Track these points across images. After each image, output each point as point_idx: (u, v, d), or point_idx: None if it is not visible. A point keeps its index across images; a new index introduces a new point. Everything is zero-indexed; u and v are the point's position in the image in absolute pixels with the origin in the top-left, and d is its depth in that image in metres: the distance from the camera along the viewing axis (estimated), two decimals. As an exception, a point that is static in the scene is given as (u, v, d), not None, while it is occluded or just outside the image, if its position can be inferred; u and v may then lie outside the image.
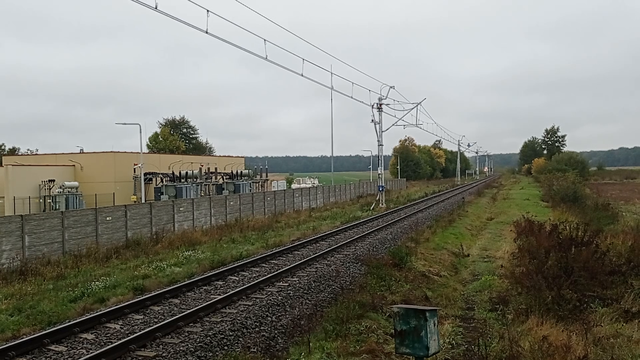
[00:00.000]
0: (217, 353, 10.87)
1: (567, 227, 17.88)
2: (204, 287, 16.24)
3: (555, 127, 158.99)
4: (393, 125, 54.83)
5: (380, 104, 49.48)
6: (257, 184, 62.11)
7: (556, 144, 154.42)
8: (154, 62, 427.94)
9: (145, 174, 44.41)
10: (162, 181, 51.00)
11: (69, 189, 45.16)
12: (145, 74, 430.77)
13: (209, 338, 11.41)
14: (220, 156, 76.15)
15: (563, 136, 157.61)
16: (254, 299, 14.72)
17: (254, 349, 11.01)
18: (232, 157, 73.08)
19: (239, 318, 12.82)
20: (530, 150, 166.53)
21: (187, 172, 51.60)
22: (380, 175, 52.62)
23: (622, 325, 12.33)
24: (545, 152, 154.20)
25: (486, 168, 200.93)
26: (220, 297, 14.44)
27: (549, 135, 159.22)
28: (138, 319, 12.93)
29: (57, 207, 42.23)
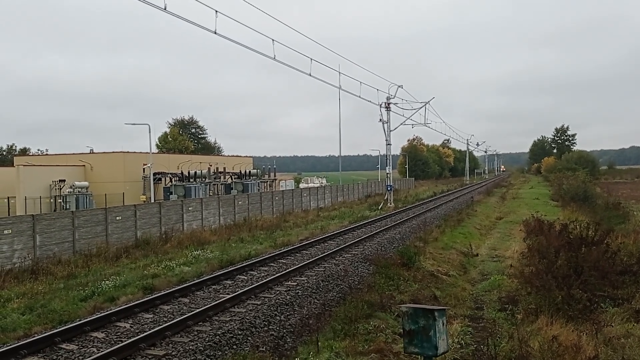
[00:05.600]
0: (226, 352, 10.92)
1: (577, 227, 17.78)
2: (213, 287, 16.31)
3: (565, 126, 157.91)
4: (401, 124, 54.72)
5: (389, 103, 49.39)
6: (265, 184, 62.23)
7: (566, 143, 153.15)
8: (171, 68, 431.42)
9: (154, 174, 44.62)
10: (171, 181, 51.21)
11: (79, 189, 45.45)
12: (161, 79, 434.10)
13: (218, 337, 11.46)
14: (228, 156, 76.36)
15: (573, 135, 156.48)
16: (263, 298, 14.76)
17: (262, 348, 11.04)
18: (240, 156, 73.22)
19: (247, 317, 12.86)
20: (539, 149, 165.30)
21: (195, 172, 51.75)
22: (388, 175, 52.47)
23: (633, 325, 12.24)
24: (555, 151, 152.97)
25: (503, 167, 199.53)
26: (229, 296, 14.50)
27: (558, 134, 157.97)
28: (148, 318, 13.02)
29: (68, 207, 42.52)
